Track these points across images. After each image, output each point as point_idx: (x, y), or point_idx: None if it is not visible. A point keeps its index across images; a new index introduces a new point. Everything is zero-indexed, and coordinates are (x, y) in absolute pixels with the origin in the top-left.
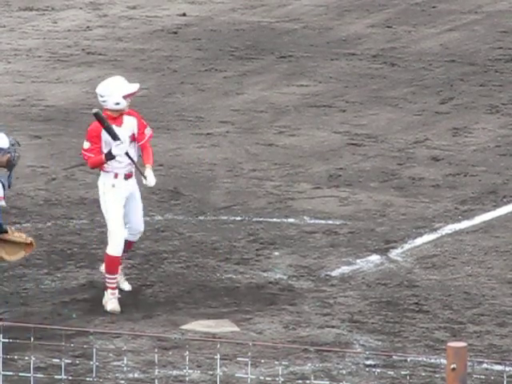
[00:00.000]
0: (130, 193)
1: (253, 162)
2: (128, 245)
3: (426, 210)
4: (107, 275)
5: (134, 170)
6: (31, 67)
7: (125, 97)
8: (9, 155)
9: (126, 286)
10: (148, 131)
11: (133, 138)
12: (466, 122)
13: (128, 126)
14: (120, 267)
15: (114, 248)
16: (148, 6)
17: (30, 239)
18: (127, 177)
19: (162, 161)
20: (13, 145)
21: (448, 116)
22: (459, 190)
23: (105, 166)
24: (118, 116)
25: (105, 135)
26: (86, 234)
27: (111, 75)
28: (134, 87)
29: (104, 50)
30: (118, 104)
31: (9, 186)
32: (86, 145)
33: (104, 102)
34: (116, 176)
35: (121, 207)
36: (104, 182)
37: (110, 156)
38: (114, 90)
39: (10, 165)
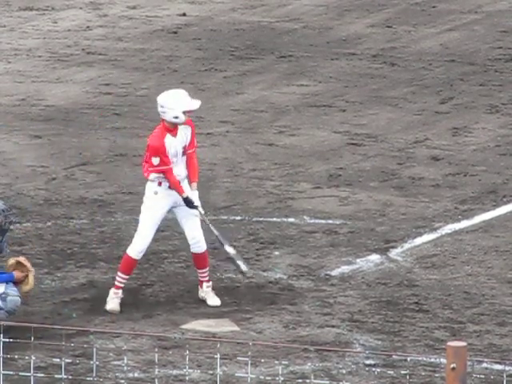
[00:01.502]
0: (175, 202)
1: (253, 161)
2: (195, 258)
3: (425, 210)
4: (118, 272)
5: (183, 181)
6: (31, 67)
7: (185, 112)
8: None
9: (212, 302)
10: (195, 142)
11: (185, 150)
12: (465, 122)
13: (182, 136)
14: (209, 284)
15: (134, 250)
16: (148, 5)
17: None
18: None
19: None
20: (3, 210)
21: (448, 116)
22: (459, 190)
23: (151, 175)
24: (173, 128)
25: (168, 144)
26: (86, 233)
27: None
28: (196, 104)
29: (104, 50)
30: (176, 118)
31: (0, 252)
32: (156, 161)
33: (163, 112)
34: (160, 184)
35: (157, 215)
36: (149, 187)
37: (187, 202)
38: (176, 105)
39: (0, 230)
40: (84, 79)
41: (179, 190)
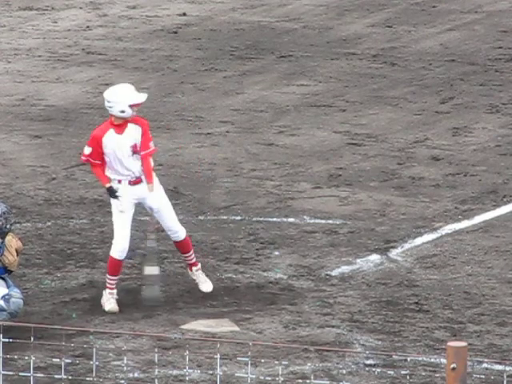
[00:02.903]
0: (140, 198)
1: (253, 161)
2: (177, 246)
3: (425, 210)
4: (108, 276)
5: (142, 176)
6: (31, 67)
7: (131, 106)
8: (0, 223)
9: (204, 287)
10: (152, 145)
11: (135, 150)
12: (466, 122)
13: (130, 135)
14: (198, 267)
15: (116, 251)
16: (148, 5)
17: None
18: (133, 183)
19: (162, 160)
20: (4, 213)
21: (448, 116)
22: (459, 190)
23: (107, 172)
24: (122, 123)
25: (107, 143)
26: (86, 233)
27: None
28: (142, 98)
29: (104, 50)
30: (123, 112)
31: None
32: (88, 150)
33: (110, 107)
34: (119, 182)
35: (125, 213)
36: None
37: (111, 192)
38: (122, 98)
39: (0, 232)
40: (84, 79)
41: (102, 181)
